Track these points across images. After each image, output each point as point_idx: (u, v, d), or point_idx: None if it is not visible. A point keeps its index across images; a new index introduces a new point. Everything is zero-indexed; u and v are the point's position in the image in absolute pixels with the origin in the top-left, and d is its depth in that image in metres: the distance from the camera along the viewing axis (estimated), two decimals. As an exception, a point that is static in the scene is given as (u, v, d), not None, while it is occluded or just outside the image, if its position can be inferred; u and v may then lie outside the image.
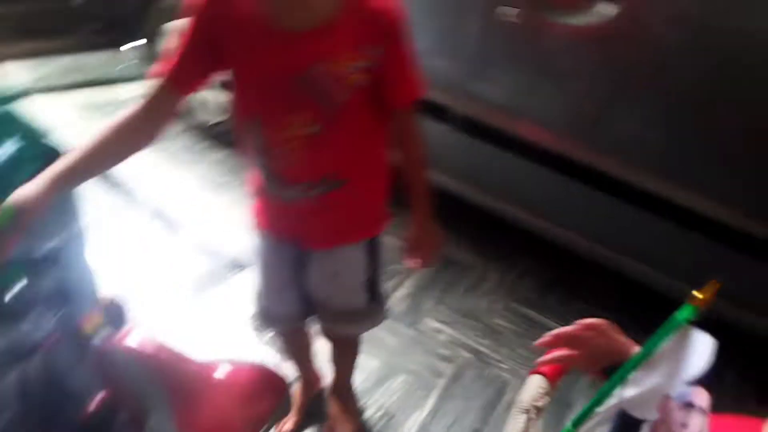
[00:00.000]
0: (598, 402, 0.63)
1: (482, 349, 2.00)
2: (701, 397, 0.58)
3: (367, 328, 1.48)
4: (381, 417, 1.78)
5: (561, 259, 2.32)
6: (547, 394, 0.96)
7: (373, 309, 1.43)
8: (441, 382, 1.89)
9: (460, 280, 2.26)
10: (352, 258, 1.34)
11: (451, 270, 2.30)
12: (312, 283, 1.39)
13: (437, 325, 2.09)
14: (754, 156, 1.60)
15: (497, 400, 1.84)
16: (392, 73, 1.15)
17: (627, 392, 0.61)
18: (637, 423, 0.61)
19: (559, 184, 1.98)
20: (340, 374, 1.74)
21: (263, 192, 1.27)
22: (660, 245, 1.87)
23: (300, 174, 1.18)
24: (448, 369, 1.93)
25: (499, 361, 1.96)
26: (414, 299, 2.18)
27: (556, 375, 1.01)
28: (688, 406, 0.59)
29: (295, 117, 1.10)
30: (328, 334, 1.55)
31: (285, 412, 1.07)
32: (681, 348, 0.58)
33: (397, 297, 2.19)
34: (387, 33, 1.10)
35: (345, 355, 1.67)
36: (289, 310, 1.44)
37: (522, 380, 1.92)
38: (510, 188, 2.16)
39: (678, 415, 0.59)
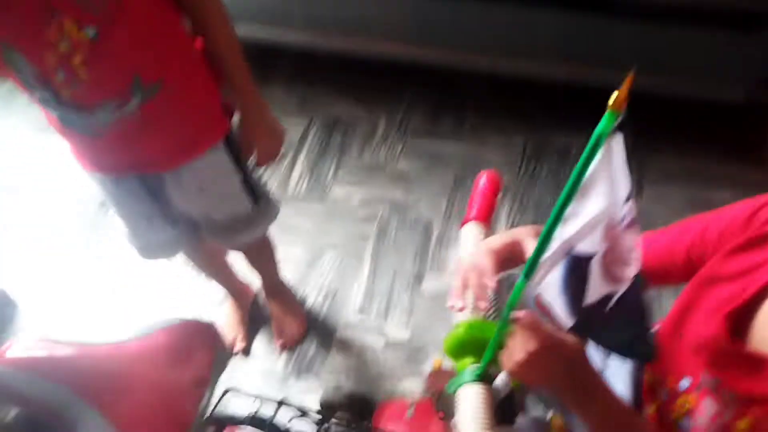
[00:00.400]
0: (542, 249, 0.56)
1: (396, 197, 1.96)
2: (634, 212, 0.52)
3: (265, 229, 1.36)
4: (324, 299, 1.74)
5: (439, 79, 2.25)
6: (485, 235, 0.91)
7: (261, 208, 1.29)
8: (369, 244, 1.85)
9: (351, 138, 2.15)
10: (210, 168, 1.16)
11: (338, 130, 2.18)
12: (180, 205, 1.23)
13: (345, 190, 2.00)
14: None
15: (427, 240, 1.84)
16: None
17: (568, 230, 0.54)
18: (588, 258, 0.55)
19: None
20: (265, 275, 1.65)
21: (66, 132, 1.04)
22: (527, 33, 1.81)
23: (100, 92, 0.95)
24: (371, 229, 1.89)
25: (417, 202, 1.94)
26: (313, 173, 2.06)
27: (487, 216, 0.95)
28: (630, 225, 0.53)
29: (55, 29, 0.86)
30: (229, 246, 1.42)
31: (226, 357, 0.97)
32: (609, 163, 0.50)
33: (294, 178, 2.06)
34: None
35: (261, 257, 1.57)
36: (169, 236, 1.28)
37: (441, 213, 1.96)
38: (360, 20, 1.97)
39: (625, 240, 0.53)
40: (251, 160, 1.24)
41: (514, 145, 2.04)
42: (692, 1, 1.49)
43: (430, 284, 1.73)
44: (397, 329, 1.65)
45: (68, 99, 0.93)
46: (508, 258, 0.78)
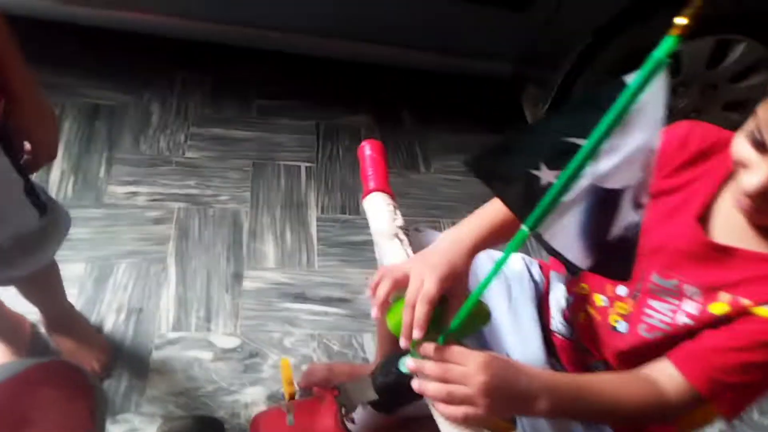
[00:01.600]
0: (561, 193, 0.52)
1: (192, 191, 1.73)
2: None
3: (57, 247, 1.07)
4: (127, 319, 1.45)
5: (212, 58, 2.06)
6: (396, 207, 0.85)
7: (51, 219, 1.01)
8: (170, 247, 1.60)
9: (120, 128, 1.82)
10: None
11: (100, 119, 1.83)
12: None
13: (126, 188, 1.69)
14: None
15: (238, 234, 1.67)
16: None
17: (602, 166, 0.50)
18: (620, 191, 0.52)
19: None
20: (49, 304, 1.30)
21: None
22: (300, 7, 1.75)
23: None
24: (168, 229, 1.63)
25: (216, 195, 1.74)
26: (78, 173, 1.69)
27: (386, 183, 0.89)
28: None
29: None
30: (7, 277, 1.08)
31: (106, 402, 0.73)
32: (659, 92, 0.47)
33: (54, 180, 1.66)
34: None
35: (46, 284, 1.23)
36: None
37: (246, 203, 1.80)
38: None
39: (652, 164, 0.52)
40: (26, 160, 0.94)
41: (307, 128, 1.98)
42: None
43: (251, 282, 1.58)
44: (225, 337, 1.46)
45: None
46: (451, 285, 0.71)
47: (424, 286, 0.68)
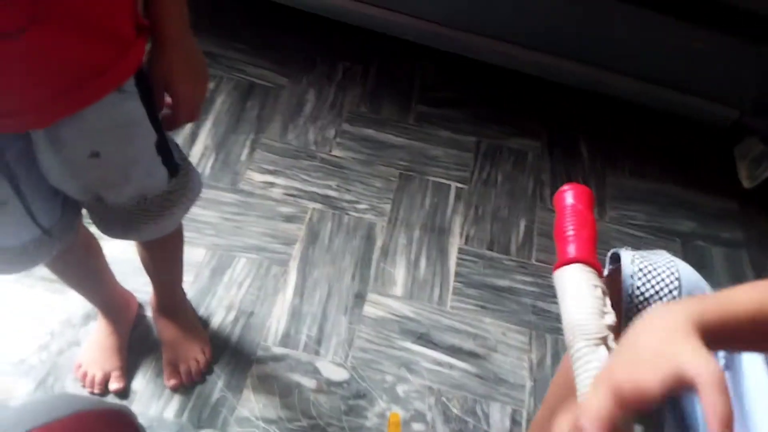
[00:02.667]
0: None
1: (330, 192, 1.57)
2: None
3: (183, 214, 0.94)
4: (234, 321, 1.32)
5: (378, 54, 1.90)
6: (606, 293, 0.58)
7: (181, 183, 0.88)
8: (296, 250, 1.45)
9: (271, 111, 1.72)
10: (112, 121, 0.73)
11: (256, 97, 1.73)
12: (56, 181, 0.78)
13: (263, 177, 1.57)
14: None
15: (369, 250, 1.48)
16: None
17: None
18: None
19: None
20: (165, 283, 1.20)
21: None
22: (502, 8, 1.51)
23: None
24: (298, 230, 1.49)
25: (355, 202, 1.57)
26: (220, 151, 1.60)
27: (593, 251, 0.62)
28: None
29: None
30: (130, 238, 0.97)
31: None
32: None
33: (196, 154, 1.59)
34: None
35: (167, 257, 1.13)
36: (33, 234, 0.81)
37: (384, 216, 1.62)
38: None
39: None
40: (164, 115, 0.82)
41: (466, 144, 1.75)
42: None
43: (373, 307, 1.38)
44: (333, 366, 1.28)
45: None
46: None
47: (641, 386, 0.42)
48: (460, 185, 1.65)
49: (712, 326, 0.45)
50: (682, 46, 1.36)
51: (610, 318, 0.54)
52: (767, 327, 0.48)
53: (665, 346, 0.43)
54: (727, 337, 0.47)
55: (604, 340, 0.52)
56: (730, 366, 0.67)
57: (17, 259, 0.81)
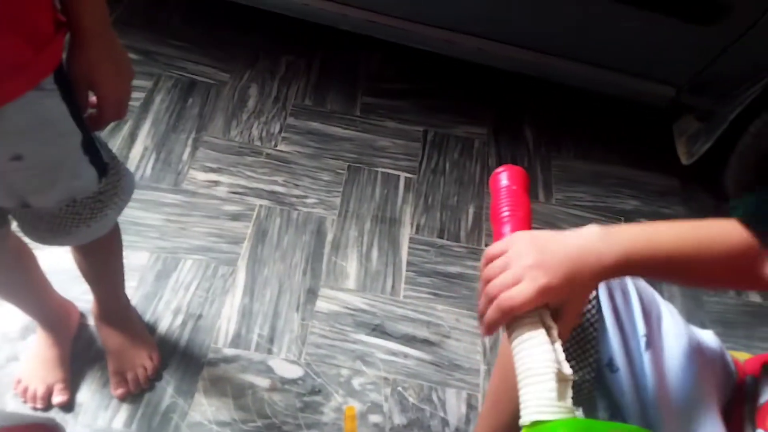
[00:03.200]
0: None
1: (277, 188, 1.55)
2: None
3: (116, 216, 0.90)
4: (183, 324, 1.28)
5: (321, 43, 1.88)
6: (558, 334, 0.56)
7: (111, 183, 0.85)
8: (244, 248, 1.42)
9: (215, 107, 1.68)
10: (32, 122, 0.69)
11: (196, 94, 1.69)
12: None
13: (208, 176, 1.54)
14: None
15: (320, 244, 1.46)
16: None
17: None
18: None
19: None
20: (105, 291, 1.16)
21: None
22: None
23: None
24: (245, 228, 1.46)
25: (303, 197, 1.55)
26: (161, 151, 1.56)
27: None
28: None
29: None
30: (53, 245, 0.93)
31: None
32: None
33: (135, 155, 1.54)
34: None
35: (105, 262, 1.08)
36: None
37: (334, 210, 1.60)
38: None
39: None
40: (89, 114, 0.78)
41: (413, 134, 1.75)
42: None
43: (326, 302, 1.37)
44: (287, 364, 1.26)
45: None
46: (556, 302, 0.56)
47: (518, 288, 0.54)
48: (408, 175, 1.65)
49: (635, 260, 0.56)
50: (618, 28, 1.38)
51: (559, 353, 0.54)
52: (677, 265, 0.59)
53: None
54: (643, 268, 0.58)
55: (545, 326, 0.52)
56: (650, 345, 0.68)
57: None
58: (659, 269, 0.59)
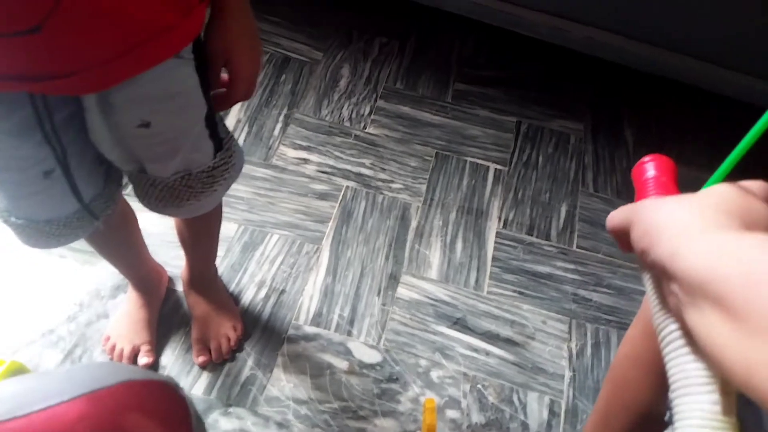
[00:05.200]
0: None
1: (364, 170, 1.53)
2: None
3: (224, 192, 0.90)
4: (265, 299, 1.28)
5: (415, 26, 1.84)
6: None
7: (225, 159, 0.84)
8: (329, 228, 1.41)
9: (307, 85, 1.67)
10: (165, 90, 0.69)
11: (290, 71, 1.69)
12: (104, 148, 0.75)
13: (298, 153, 1.53)
14: None
15: (404, 230, 1.43)
16: None
17: None
18: None
19: None
20: (199, 259, 1.17)
21: None
22: None
23: None
24: (331, 208, 1.44)
25: (389, 181, 1.52)
26: (254, 125, 1.57)
27: None
28: None
29: None
30: (162, 213, 0.94)
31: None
32: None
33: (229, 128, 1.55)
34: None
35: (205, 232, 1.09)
36: (66, 209, 0.78)
37: (420, 197, 1.55)
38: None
39: None
40: (217, 93, 0.78)
41: (506, 125, 1.69)
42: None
43: (407, 289, 1.34)
44: (366, 348, 1.24)
45: None
46: None
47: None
48: (498, 167, 1.59)
49: None
50: (739, 22, 1.27)
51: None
52: None
53: None
54: None
55: None
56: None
57: (59, 232, 0.78)
58: None
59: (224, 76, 0.77)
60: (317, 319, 1.26)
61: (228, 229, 1.36)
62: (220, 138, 0.82)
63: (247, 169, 1.47)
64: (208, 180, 0.84)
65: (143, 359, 1.15)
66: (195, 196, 0.84)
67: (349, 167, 1.53)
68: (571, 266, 1.42)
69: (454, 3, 1.52)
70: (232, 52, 0.73)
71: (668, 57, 1.41)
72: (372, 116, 1.64)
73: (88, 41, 0.58)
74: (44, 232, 0.77)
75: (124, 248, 1.08)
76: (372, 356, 1.23)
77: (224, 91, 0.78)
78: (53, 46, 0.56)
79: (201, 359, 1.17)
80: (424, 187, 1.52)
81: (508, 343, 1.28)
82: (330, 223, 1.41)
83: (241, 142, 1.52)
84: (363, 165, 1.54)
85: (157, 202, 0.85)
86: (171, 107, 0.71)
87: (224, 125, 0.85)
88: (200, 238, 1.10)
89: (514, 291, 1.37)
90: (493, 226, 1.48)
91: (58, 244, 0.81)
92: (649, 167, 0.60)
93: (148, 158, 0.76)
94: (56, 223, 0.76)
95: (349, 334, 1.25)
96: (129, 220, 1.04)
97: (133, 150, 0.75)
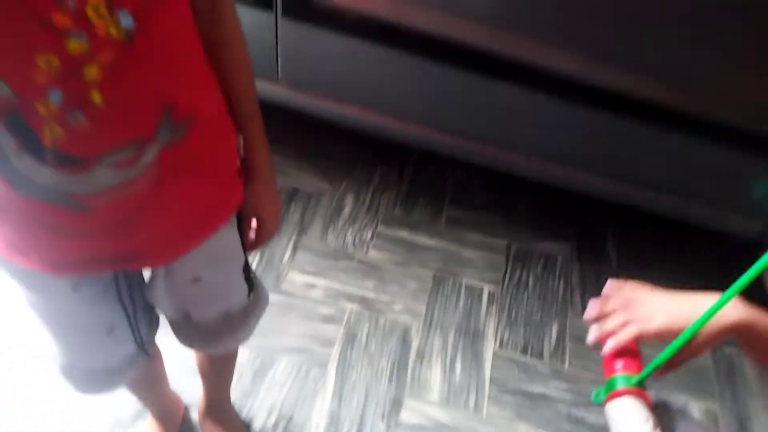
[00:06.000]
0: None
1: (367, 294, 1.64)
2: None
3: (255, 326, 1.01)
4: (276, 423, 1.35)
5: (413, 159, 2.01)
6: (655, 424, 0.63)
7: (255, 299, 0.96)
8: (335, 351, 1.50)
9: (313, 215, 1.82)
10: (215, 251, 0.81)
11: (297, 203, 1.84)
12: (160, 303, 0.86)
13: (305, 278, 1.65)
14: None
15: (405, 352, 1.52)
16: None
17: None
18: None
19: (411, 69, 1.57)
20: (216, 389, 1.25)
21: (16, 206, 0.62)
22: (529, 123, 1.59)
23: (116, 130, 0.58)
24: (337, 331, 1.54)
25: (391, 303, 1.62)
26: (264, 253, 1.69)
27: (642, 390, 0.67)
28: None
29: (64, 13, 0.49)
30: (209, 352, 1.05)
31: None
32: None
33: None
34: None
35: (225, 364, 1.19)
36: (131, 351, 0.89)
37: (419, 318, 1.67)
38: (347, 84, 1.69)
39: None
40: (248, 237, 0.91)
41: (497, 247, 1.82)
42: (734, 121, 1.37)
43: (410, 414, 1.41)
44: (371, 473, 1.30)
45: (55, 145, 0.55)
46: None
47: (648, 323, 0.67)
48: (492, 287, 1.71)
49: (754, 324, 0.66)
50: (708, 165, 1.44)
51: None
52: None
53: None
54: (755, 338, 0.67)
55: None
56: None
57: (112, 379, 0.88)
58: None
59: (253, 222, 0.88)
60: (325, 445, 1.33)
61: (240, 355, 1.44)
62: (251, 281, 0.94)
63: (258, 295, 1.58)
64: (244, 318, 0.95)
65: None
66: (232, 333, 0.95)
67: (353, 290, 1.64)
68: (565, 385, 1.50)
69: (442, 145, 1.69)
70: (261, 210, 0.85)
71: (641, 192, 1.57)
72: (374, 241, 1.77)
73: (166, 228, 0.71)
74: (102, 379, 0.87)
75: (148, 380, 1.17)
76: (377, 481, 1.28)
77: (255, 236, 0.89)
78: (140, 233, 0.69)
79: (215, 488, 1.23)
80: (423, 308, 1.63)
81: (507, 465, 1.34)
82: (335, 346, 1.50)
83: (252, 268, 1.64)
84: (366, 288, 1.65)
85: (197, 340, 0.95)
86: (218, 263, 0.84)
87: (253, 271, 0.97)
88: (220, 369, 1.19)
89: (512, 412, 1.43)
90: (489, 347, 1.57)
91: (117, 385, 0.91)
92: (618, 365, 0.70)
93: (195, 306, 0.88)
94: (115, 369, 0.87)
95: (355, 459, 1.31)
96: (157, 355, 1.14)
97: (182, 301, 0.86)
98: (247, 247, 0.90)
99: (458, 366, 1.51)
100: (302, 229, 1.77)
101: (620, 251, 1.85)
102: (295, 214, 1.80)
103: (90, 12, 0.49)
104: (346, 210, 1.84)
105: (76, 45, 0.50)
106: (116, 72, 0.53)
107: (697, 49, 1.26)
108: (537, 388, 1.48)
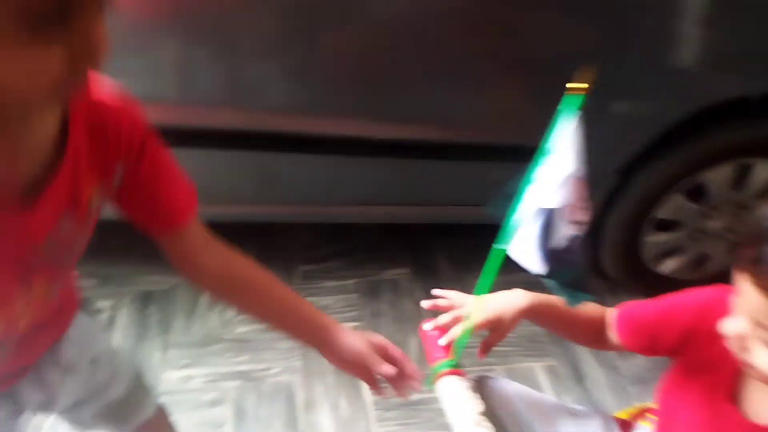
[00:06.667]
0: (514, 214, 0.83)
1: (244, 367, 1.75)
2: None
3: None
4: None
5: (255, 231, 2.16)
6: (475, 391, 0.87)
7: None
8: (228, 430, 1.59)
9: (173, 310, 1.89)
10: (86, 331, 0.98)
11: (155, 304, 1.90)
12: (65, 398, 0.96)
13: (181, 373, 1.72)
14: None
15: (292, 409, 1.65)
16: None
17: (542, 193, 0.76)
18: (555, 211, 0.75)
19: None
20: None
21: None
22: (349, 183, 1.85)
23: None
24: (225, 411, 1.63)
25: (269, 369, 1.75)
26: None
27: (456, 364, 0.92)
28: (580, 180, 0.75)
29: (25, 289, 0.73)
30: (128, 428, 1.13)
31: None
32: (575, 134, 0.73)
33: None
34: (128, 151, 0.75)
35: None
36: None
37: (297, 373, 1.80)
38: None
39: (579, 191, 0.75)
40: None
41: (349, 287, 2.03)
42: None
43: (311, 459, 1.54)
44: None
45: None
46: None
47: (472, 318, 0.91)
48: (355, 323, 1.90)
49: (530, 311, 0.95)
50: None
51: (480, 407, 0.82)
52: (555, 322, 0.99)
53: None
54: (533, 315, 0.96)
55: (478, 425, 0.79)
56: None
57: None
58: (551, 320, 0.97)
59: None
60: None
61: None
62: None
63: (139, 403, 1.62)
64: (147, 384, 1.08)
65: None
66: (142, 403, 1.07)
67: (230, 368, 1.74)
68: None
69: (274, 215, 1.88)
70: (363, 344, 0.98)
71: (447, 210, 1.88)
72: (238, 317, 1.89)
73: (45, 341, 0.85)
74: None
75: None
76: None
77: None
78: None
79: None
80: (299, 362, 1.77)
81: (406, 472, 1.52)
82: (227, 426, 1.59)
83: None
84: (242, 362, 1.76)
85: (114, 421, 1.03)
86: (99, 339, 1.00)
87: None
88: None
89: (399, 425, 1.63)
90: (365, 376, 1.75)
91: None
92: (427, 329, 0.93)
93: (101, 385, 0.98)
94: None
95: None
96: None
97: (88, 384, 0.96)
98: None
99: (343, 402, 1.67)
100: (166, 328, 1.83)
101: (451, 261, 2.16)
102: (153, 317, 1.86)
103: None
104: (203, 297, 1.94)
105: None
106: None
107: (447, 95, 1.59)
108: (414, 397, 1.68)
